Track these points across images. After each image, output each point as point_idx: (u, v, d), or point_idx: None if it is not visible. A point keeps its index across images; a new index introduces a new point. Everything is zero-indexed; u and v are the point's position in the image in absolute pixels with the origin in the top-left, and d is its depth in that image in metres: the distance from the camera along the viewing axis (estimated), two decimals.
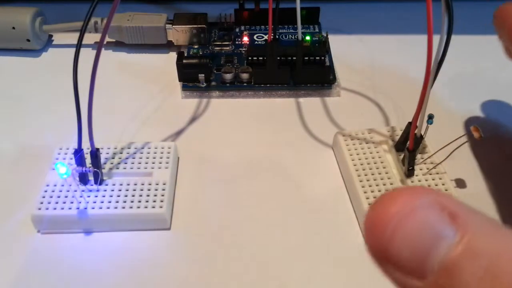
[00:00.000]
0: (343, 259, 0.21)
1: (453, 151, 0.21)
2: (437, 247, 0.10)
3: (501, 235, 0.10)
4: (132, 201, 0.21)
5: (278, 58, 0.28)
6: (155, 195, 0.22)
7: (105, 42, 0.19)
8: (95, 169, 0.21)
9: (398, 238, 0.10)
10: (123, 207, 0.21)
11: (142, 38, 0.31)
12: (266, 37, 0.32)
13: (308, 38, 0.31)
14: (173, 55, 0.32)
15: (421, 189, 0.11)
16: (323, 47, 0.30)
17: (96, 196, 0.22)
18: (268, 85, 0.29)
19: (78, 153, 0.21)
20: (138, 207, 0.21)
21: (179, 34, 0.31)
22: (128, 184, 0.22)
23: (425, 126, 0.21)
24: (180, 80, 0.29)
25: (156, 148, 0.24)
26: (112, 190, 0.22)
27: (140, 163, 0.23)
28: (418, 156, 0.23)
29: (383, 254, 0.10)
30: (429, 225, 0.10)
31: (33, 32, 0.31)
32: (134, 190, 0.22)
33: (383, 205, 0.11)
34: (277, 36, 0.32)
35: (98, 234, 0.22)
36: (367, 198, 0.21)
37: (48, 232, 0.22)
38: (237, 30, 0.33)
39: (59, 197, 0.21)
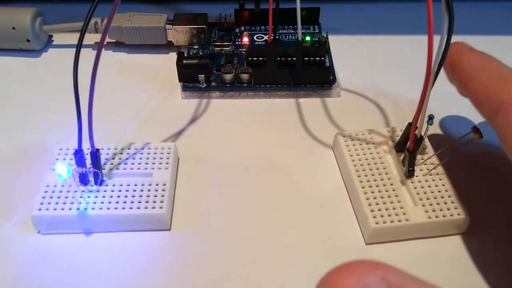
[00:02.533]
0: (342, 259, 0.21)
1: (454, 151, 0.21)
2: None
3: None
4: (132, 202, 0.21)
5: (278, 58, 0.28)
6: (155, 196, 0.22)
7: (105, 43, 0.19)
8: (95, 170, 0.21)
9: None
10: (123, 208, 0.21)
11: (142, 39, 0.31)
12: (266, 37, 0.32)
13: (308, 38, 0.31)
14: (173, 56, 0.32)
15: (370, 265, 0.11)
16: (323, 47, 0.30)
17: (96, 197, 0.21)
18: (268, 86, 0.29)
19: (78, 154, 0.21)
20: (138, 208, 0.21)
21: (179, 34, 0.31)
22: (128, 185, 0.22)
23: (425, 127, 0.21)
24: (180, 80, 0.29)
25: (156, 148, 0.24)
26: (112, 191, 0.22)
27: (140, 163, 0.23)
28: (418, 157, 0.23)
29: None
30: None
31: (33, 32, 0.31)
32: (134, 190, 0.22)
33: (335, 277, 0.12)
34: (277, 37, 0.32)
35: (98, 234, 0.22)
36: (367, 199, 0.21)
37: (48, 233, 0.22)
38: (237, 30, 0.33)
39: (59, 197, 0.21)
